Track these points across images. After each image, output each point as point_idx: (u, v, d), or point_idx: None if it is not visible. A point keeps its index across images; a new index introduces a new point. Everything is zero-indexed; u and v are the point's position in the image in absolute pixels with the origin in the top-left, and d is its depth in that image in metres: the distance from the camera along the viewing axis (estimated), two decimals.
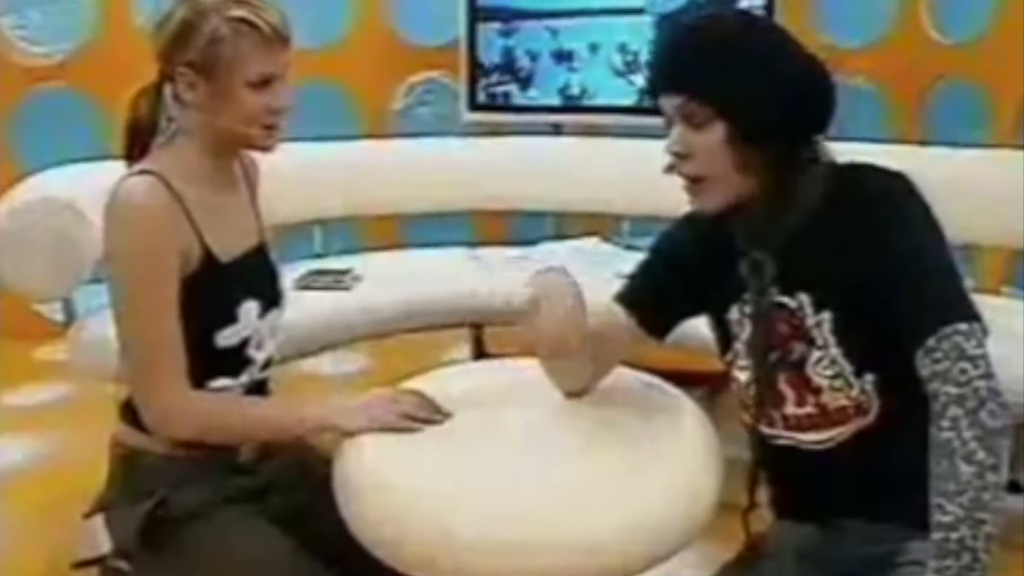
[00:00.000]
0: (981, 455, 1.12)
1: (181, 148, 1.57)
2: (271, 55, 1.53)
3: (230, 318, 1.57)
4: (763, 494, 1.49)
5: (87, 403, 2.88)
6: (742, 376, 1.44)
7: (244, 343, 1.60)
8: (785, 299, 1.35)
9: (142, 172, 1.51)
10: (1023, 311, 2.54)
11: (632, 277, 1.56)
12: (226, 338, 1.56)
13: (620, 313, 1.53)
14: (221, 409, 1.58)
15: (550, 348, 1.41)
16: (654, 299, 1.52)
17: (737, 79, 1.28)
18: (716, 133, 1.29)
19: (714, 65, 1.30)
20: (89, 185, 2.17)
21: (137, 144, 1.59)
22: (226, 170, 1.65)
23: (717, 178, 1.32)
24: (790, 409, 1.39)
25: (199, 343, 1.52)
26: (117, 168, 1.59)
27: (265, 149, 1.60)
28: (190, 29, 1.51)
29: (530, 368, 1.53)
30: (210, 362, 1.54)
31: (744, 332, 1.42)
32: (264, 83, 1.53)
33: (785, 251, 1.34)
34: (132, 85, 1.62)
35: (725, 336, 1.47)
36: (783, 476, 1.48)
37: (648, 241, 1.59)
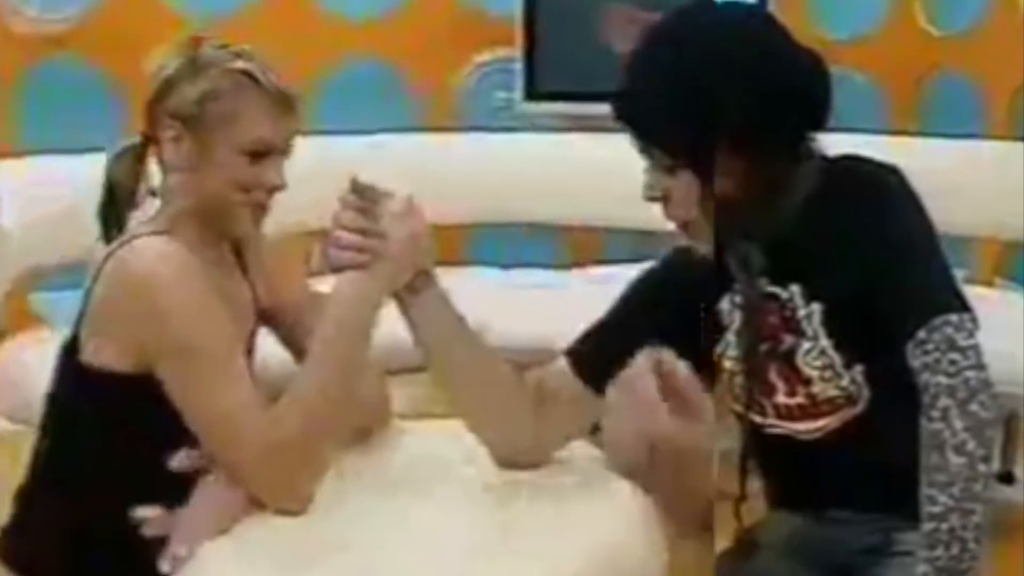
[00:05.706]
0: (971, 446, 1.12)
1: (173, 223, 1.38)
2: (272, 120, 1.34)
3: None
4: (754, 485, 1.49)
5: None
6: (732, 366, 1.44)
7: None
8: (776, 290, 1.35)
9: (154, 233, 1.34)
10: (1016, 302, 2.54)
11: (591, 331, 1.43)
12: None
13: (566, 370, 1.39)
14: (304, 396, 1.28)
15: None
16: (612, 347, 1.40)
17: (693, 122, 1.21)
18: (686, 177, 1.25)
19: (667, 110, 1.22)
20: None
21: (113, 213, 1.42)
22: (222, 252, 1.46)
23: (703, 221, 1.27)
24: (780, 399, 1.39)
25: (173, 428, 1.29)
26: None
27: (241, 232, 1.38)
28: (184, 79, 1.35)
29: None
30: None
31: (735, 323, 1.42)
32: (260, 154, 1.35)
33: (775, 242, 1.33)
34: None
35: (715, 327, 1.46)
36: (775, 466, 1.48)
37: None
